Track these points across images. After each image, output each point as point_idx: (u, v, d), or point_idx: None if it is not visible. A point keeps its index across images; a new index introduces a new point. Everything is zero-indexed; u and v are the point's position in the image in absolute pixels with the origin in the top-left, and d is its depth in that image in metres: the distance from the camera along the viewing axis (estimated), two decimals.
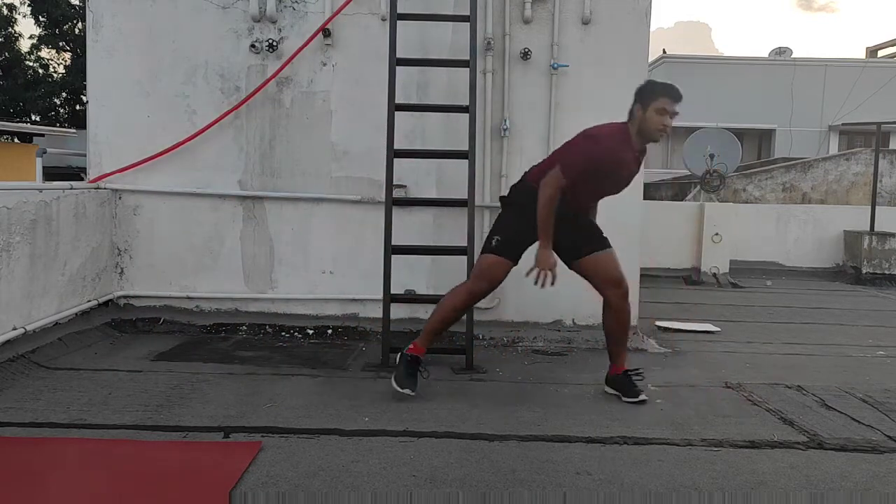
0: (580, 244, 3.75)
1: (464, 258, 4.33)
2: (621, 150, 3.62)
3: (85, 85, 5.62)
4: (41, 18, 25.72)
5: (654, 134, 3.59)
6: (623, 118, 4.91)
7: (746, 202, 12.61)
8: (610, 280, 3.71)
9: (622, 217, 4.98)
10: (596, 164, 3.59)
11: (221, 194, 4.99)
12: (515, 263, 3.75)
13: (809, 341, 5.49)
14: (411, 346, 3.72)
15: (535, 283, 3.59)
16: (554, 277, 3.60)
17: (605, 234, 3.83)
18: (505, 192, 4.95)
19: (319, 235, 4.95)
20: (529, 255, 3.70)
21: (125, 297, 5.01)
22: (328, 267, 4.94)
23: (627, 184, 3.78)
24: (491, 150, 4.94)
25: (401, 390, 3.56)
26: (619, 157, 3.63)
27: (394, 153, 4.37)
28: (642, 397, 3.65)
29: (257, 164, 4.97)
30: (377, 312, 4.43)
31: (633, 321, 5.00)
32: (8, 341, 3.83)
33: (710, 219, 9.30)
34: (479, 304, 4.73)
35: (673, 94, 3.57)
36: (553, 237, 3.62)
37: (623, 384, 3.74)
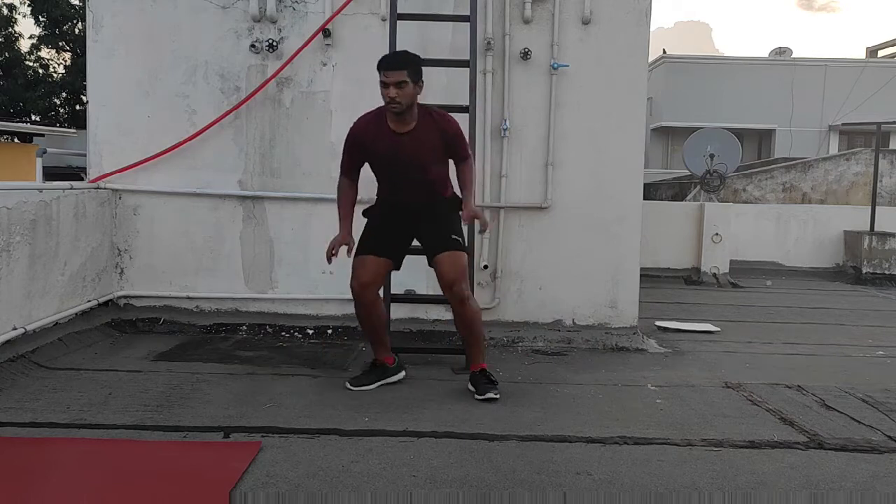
0: (429, 246, 3.77)
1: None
2: (367, 129, 3.67)
3: (85, 85, 5.62)
4: (41, 18, 25.68)
5: (388, 108, 3.58)
6: (622, 117, 4.96)
7: (746, 202, 12.62)
8: (444, 283, 3.68)
9: (621, 217, 4.99)
10: (350, 146, 3.73)
11: (221, 194, 4.99)
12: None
13: (809, 341, 5.49)
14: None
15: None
16: (331, 256, 3.73)
17: (456, 233, 3.73)
18: (505, 192, 4.99)
19: (319, 235, 4.92)
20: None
21: (125, 297, 5.01)
22: (328, 267, 4.91)
23: (403, 163, 3.64)
24: (491, 150, 4.94)
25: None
26: (367, 137, 3.67)
27: None
28: (489, 395, 3.57)
29: (257, 164, 4.97)
30: None
31: (632, 321, 5.04)
32: (8, 341, 3.82)
33: (710, 219, 9.30)
34: (479, 305, 4.75)
35: (382, 64, 3.57)
36: (400, 229, 3.77)
37: (476, 381, 3.70)
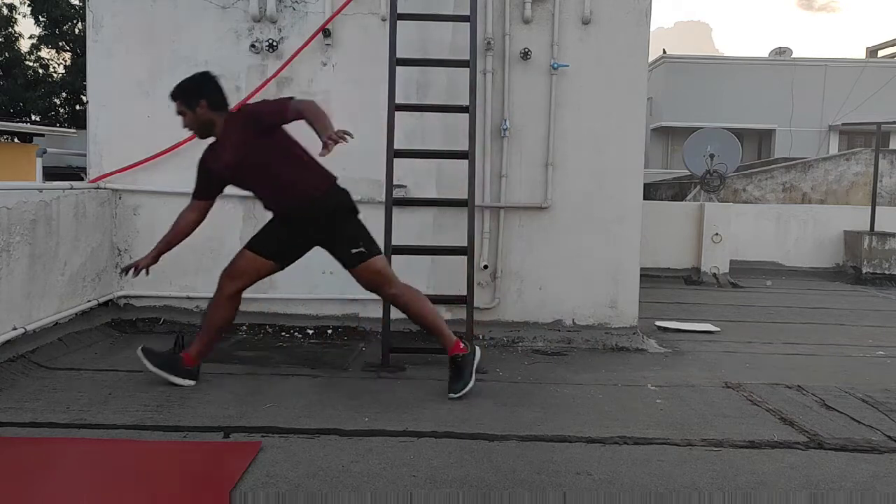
0: (338, 261, 3.75)
1: (463, 258, 4.33)
2: (207, 148, 3.76)
3: (85, 85, 5.62)
4: (41, 18, 25.69)
5: None
6: (622, 117, 4.96)
7: (746, 202, 12.62)
8: (371, 289, 3.74)
9: (621, 217, 4.99)
10: (198, 166, 3.77)
11: (221, 194, 4.97)
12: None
13: (809, 341, 5.49)
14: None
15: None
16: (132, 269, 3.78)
17: (354, 244, 3.66)
18: (505, 192, 4.98)
19: None
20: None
21: (125, 297, 5.01)
22: (328, 267, 4.88)
23: (235, 172, 3.65)
24: (491, 150, 4.94)
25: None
26: (207, 155, 3.74)
27: (394, 153, 4.37)
28: (452, 395, 3.57)
29: None
30: (377, 312, 4.43)
31: (632, 321, 5.04)
32: (8, 341, 3.82)
33: (710, 219, 9.30)
34: (478, 305, 4.76)
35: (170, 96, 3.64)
36: (291, 238, 3.73)
37: (450, 371, 3.66)
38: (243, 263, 3.71)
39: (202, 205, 3.78)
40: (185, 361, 3.69)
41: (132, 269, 3.75)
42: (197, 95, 3.58)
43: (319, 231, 3.67)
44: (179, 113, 3.61)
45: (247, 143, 3.55)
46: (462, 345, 3.71)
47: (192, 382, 3.67)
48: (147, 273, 3.76)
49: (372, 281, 3.69)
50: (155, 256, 3.77)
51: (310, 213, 3.64)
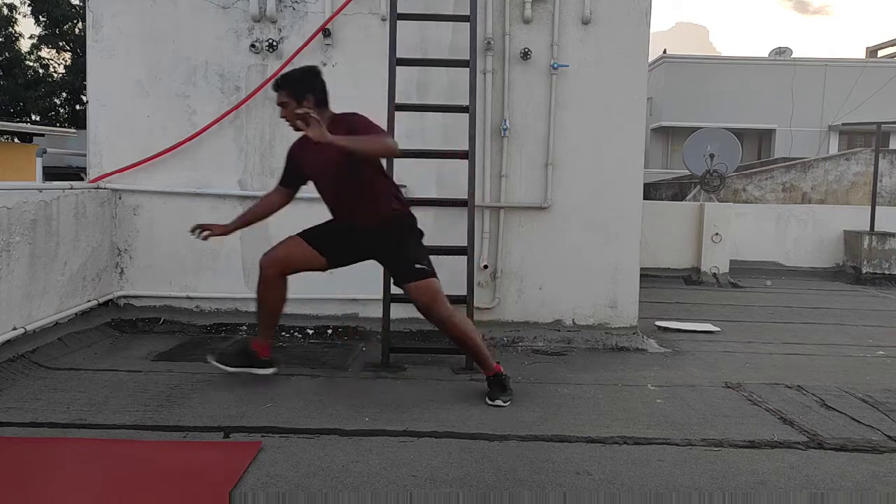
0: (394, 275, 3.74)
1: (464, 258, 4.33)
2: (298, 142, 3.71)
3: (85, 85, 5.63)
4: (41, 18, 25.71)
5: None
6: (622, 117, 4.96)
7: (746, 202, 12.62)
8: (419, 310, 3.63)
9: (621, 217, 4.99)
10: (286, 159, 3.78)
11: (221, 194, 4.99)
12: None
13: (809, 341, 5.49)
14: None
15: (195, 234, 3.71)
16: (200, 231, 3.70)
17: (419, 260, 3.62)
18: (505, 193, 4.99)
19: None
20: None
21: (125, 297, 5.01)
22: None
23: (326, 177, 3.63)
24: (491, 150, 4.94)
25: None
26: (296, 149, 3.72)
27: None
28: (497, 402, 3.53)
29: (257, 164, 4.97)
30: (377, 312, 4.43)
31: (632, 321, 5.04)
32: (8, 341, 3.83)
33: (710, 219, 9.30)
34: (478, 305, 4.76)
35: (273, 86, 3.60)
36: (353, 246, 3.72)
37: (489, 385, 3.66)
38: (295, 250, 3.70)
39: (286, 192, 3.81)
40: (261, 353, 3.77)
41: (204, 231, 3.67)
42: (306, 90, 3.54)
43: (387, 243, 3.66)
44: (281, 104, 3.53)
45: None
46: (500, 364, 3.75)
47: (275, 370, 3.80)
48: (226, 232, 3.77)
49: (426, 298, 3.59)
50: (230, 230, 3.77)
51: (384, 226, 3.64)
